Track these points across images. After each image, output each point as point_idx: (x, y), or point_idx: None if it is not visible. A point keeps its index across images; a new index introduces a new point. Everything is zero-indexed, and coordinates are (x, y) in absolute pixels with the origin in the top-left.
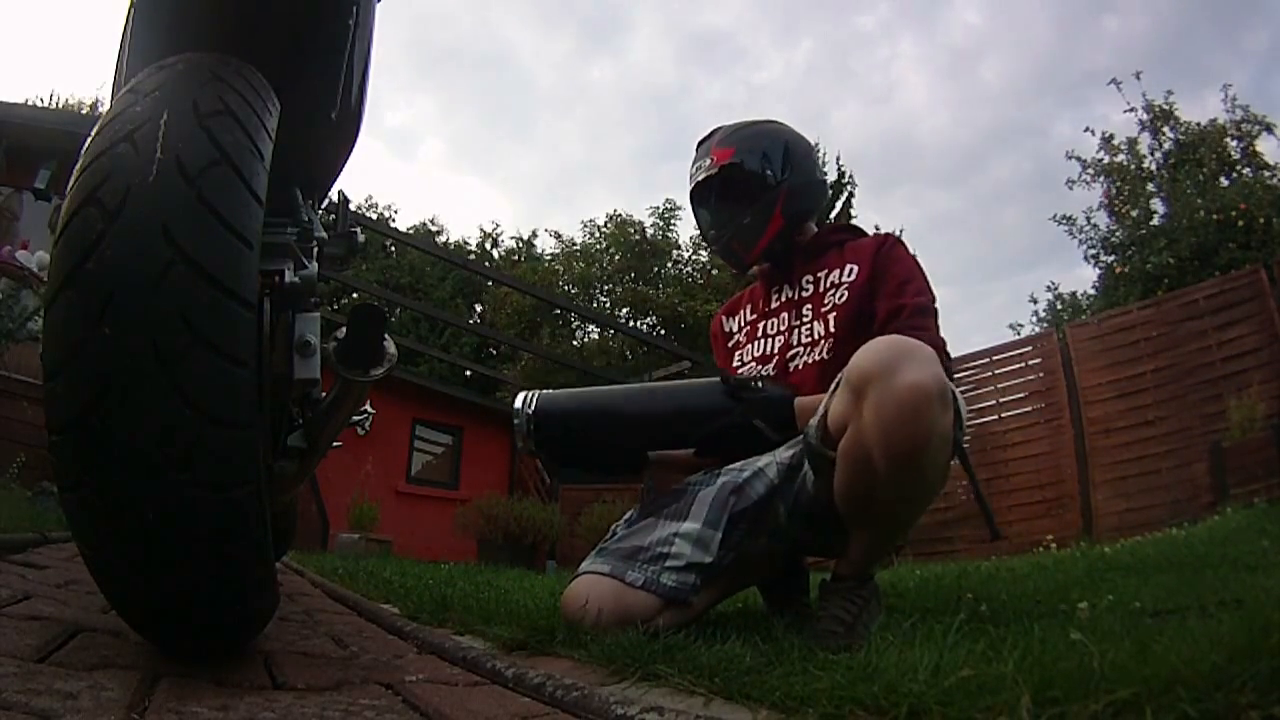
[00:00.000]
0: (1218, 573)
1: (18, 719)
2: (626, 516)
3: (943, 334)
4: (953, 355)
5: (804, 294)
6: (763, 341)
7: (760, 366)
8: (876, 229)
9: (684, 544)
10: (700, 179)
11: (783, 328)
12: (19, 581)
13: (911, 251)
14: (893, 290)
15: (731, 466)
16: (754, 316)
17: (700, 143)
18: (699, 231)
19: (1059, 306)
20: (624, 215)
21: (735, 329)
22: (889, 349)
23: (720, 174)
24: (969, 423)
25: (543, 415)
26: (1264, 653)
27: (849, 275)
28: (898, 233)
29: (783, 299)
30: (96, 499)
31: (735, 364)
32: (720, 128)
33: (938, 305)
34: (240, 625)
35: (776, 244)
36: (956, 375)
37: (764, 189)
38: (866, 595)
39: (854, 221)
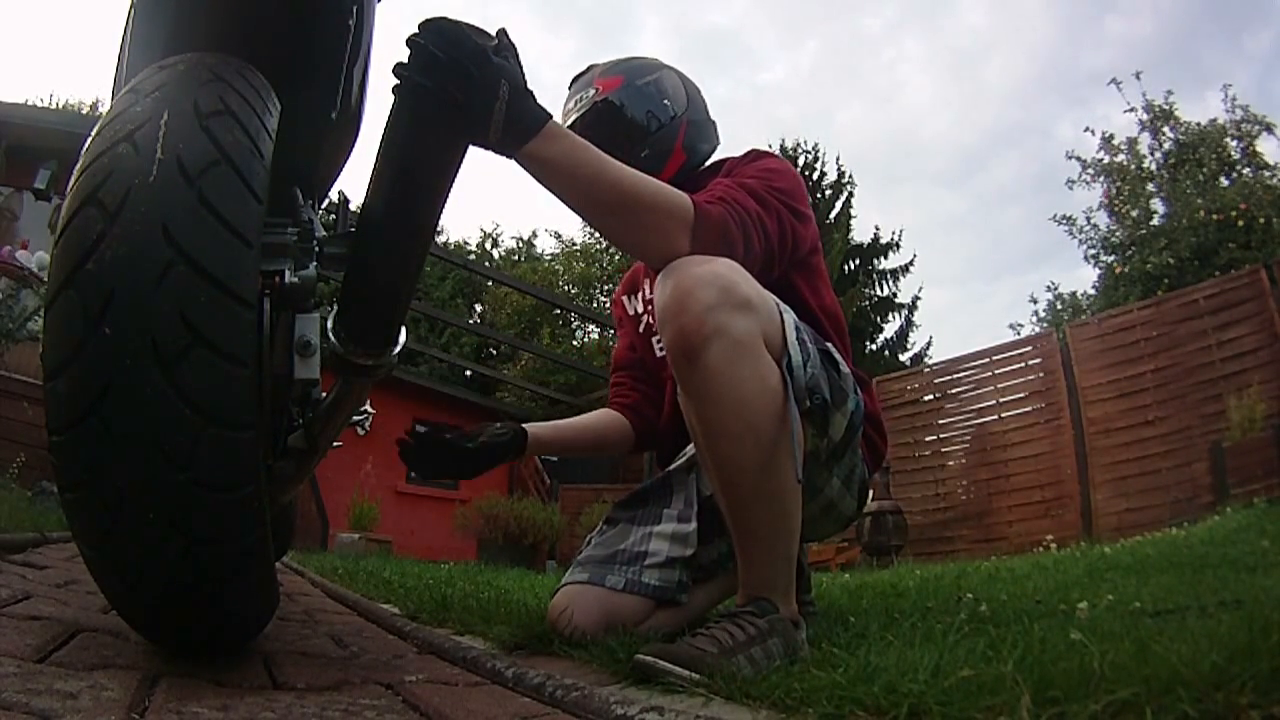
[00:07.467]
0: (1218, 573)
1: (18, 719)
2: (599, 527)
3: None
4: (952, 355)
5: None
6: None
7: None
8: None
9: (660, 541)
10: (584, 110)
11: None
12: (19, 581)
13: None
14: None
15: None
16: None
17: (575, 79)
18: None
19: (1059, 306)
20: None
21: (641, 309)
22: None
23: (606, 104)
24: (970, 421)
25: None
26: (1264, 653)
27: None
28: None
29: None
30: (96, 499)
31: (658, 352)
32: (593, 65)
33: (798, 213)
34: (240, 625)
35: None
36: (958, 375)
37: (662, 119)
38: (762, 628)
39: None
